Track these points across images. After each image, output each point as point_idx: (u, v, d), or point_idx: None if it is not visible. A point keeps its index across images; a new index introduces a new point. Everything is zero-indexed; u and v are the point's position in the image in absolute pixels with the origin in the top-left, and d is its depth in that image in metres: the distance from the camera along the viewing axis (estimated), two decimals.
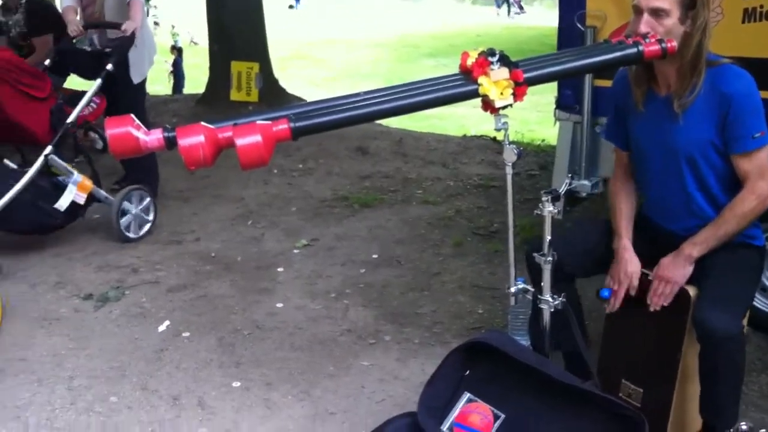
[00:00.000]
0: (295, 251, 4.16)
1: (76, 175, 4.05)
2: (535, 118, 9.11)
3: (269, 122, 2.03)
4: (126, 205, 4.26)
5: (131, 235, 4.30)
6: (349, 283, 3.75)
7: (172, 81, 14.23)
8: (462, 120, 13.31)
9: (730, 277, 2.25)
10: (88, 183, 4.10)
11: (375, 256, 4.05)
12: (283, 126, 2.02)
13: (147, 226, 4.40)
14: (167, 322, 3.39)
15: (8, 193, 3.82)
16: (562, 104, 3.59)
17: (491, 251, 4.06)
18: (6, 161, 4.17)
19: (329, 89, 10.52)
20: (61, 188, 4.02)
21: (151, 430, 2.66)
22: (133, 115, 2.06)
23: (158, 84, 11.89)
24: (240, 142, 1.96)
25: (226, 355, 3.13)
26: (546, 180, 5.17)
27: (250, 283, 3.78)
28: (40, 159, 3.96)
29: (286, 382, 2.94)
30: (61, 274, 3.87)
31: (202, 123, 2.05)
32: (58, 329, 3.35)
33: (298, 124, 2.03)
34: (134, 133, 2.01)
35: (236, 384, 2.92)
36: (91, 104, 4.18)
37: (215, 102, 6.66)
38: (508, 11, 26.96)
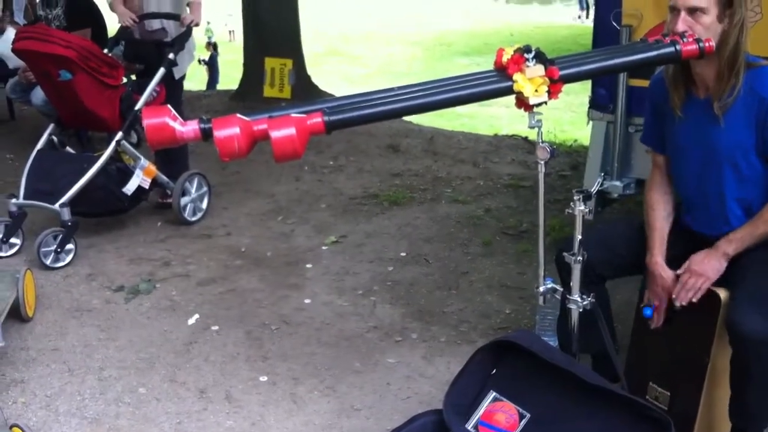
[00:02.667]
0: (324, 248, 4.17)
1: (143, 161, 4.18)
2: (569, 118, 9.06)
3: (304, 115, 2.04)
4: (187, 186, 4.41)
5: (197, 217, 4.49)
6: (377, 281, 3.76)
7: (207, 77, 14.36)
8: (492, 120, 13.28)
9: (766, 279, 2.21)
10: (153, 168, 4.22)
11: (403, 253, 4.05)
12: (317, 119, 2.03)
13: (200, 214, 4.54)
14: (196, 316, 3.42)
15: (83, 177, 3.96)
16: (595, 103, 3.55)
17: (520, 251, 4.04)
18: (68, 148, 4.29)
19: (363, 87, 10.58)
20: (127, 173, 4.15)
21: (178, 421, 2.69)
22: (170, 106, 2.08)
23: (191, 80, 12.00)
24: (275, 134, 1.96)
25: (254, 349, 3.15)
26: (577, 180, 5.12)
27: (279, 278, 3.80)
28: (112, 145, 4.10)
29: (312, 377, 2.95)
30: (94, 266, 3.92)
31: (238, 115, 2.06)
32: (89, 320, 3.40)
33: (332, 118, 2.03)
34: (171, 123, 2.02)
35: (263, 378, 2.94)
36: (153, 92, 4.27)
37: (249, 98, 6.70)
38: (587, 14, 24.62)
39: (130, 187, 4.13)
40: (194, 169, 4.60)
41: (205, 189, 4.57)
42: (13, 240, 4.00)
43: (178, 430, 2.64)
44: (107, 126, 4.21)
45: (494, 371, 2.36)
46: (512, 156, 5.74)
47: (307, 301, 3.57)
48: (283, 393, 2.85)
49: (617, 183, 3.54)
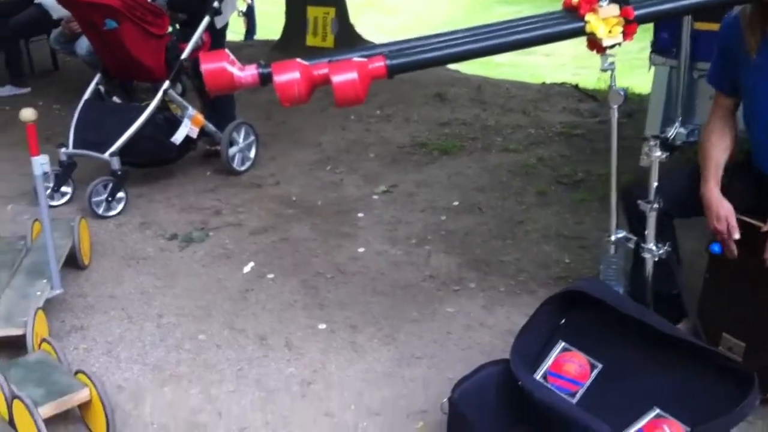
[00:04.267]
0: (375, 197, 4.12)
1: (191, 110, 4.17)
2: (620, 65, 8.76)
3: (365, 59, 1.98)
4: (234, 136, 4.37)
5: (246, 166, 4.46)
6: (430, 230, 3.70)
7: (244, 27, 14.21)
8: (534, 69, 13.01)
9: None
10: (201, 117, 4.20)
11: (456, 203, 3.99)
12: (379, 63, 1.96)
13: (248, 164, 4.51)
14: (251, 264, 3.40)
15: (133, 125, 3.96)
16: (658, 48, 3.43)
17: (576, 201, 3.95)
18: (115, 98, 4.28)
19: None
20: (174, 122, 4.13)
21: (239, 368, 2.69)
22: (227, 51, 2.03)
23: (228, 30, 11.88)
24: (336, 79, 1.91)
25: (310, 297, 3.13)
26: (633, 128, 4.99)
27: (331, 228, 3.76)
28: (159, 94, 4.07)
29: (370, 325, 2.92)
30: (145, 215, 3.92)
31: (298, 59, 2.00)
32: (145, 268, 3.40)
33: (394, 62, 1.96)
34: (229, 68, 1.97)
35: (321, 326, 2.92)
36: (199, 41, 4.21)
37: (291, 48, 6.60)
38: None
39: (178, 137, 4.12)
40: (241, 119, 4.55)
41: (252, 138, 4.53)
42: (63, 189, 4.02)
43: (239, 377, 2.64)
44: (153, 75, 4.17)
45: (563, 321, 2.30)
46: (563, 104, 5.60)
47: (360, 250, 3.53)
48: (342, 341, 2.83)
49: (681, 130, 3.43)
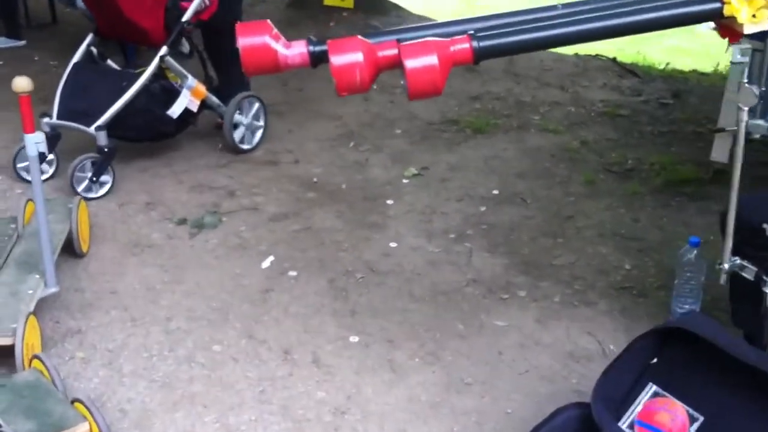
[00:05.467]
0: (405, 181, 3.72)
1: (191, 80, 3.70)
2: (650, 36, 8.30)
3: (446, 39, 1.58)
4: (237, 117, 3.91)
5: (245, 146, 3.98)
6: (469, 223, 3.32)
7: None
8: None
9: None
10: (202, 88, 3.75)
11: (495, 191, 3.60)
12: (463, 45, 1.57)
13: (260, 133, 4.06)
14: (271, 258, 3.02)
15: (123, 96, 3.50)
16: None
17: (629, 193, 3.56)
18: (110, 61, 3.82)
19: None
20: (172, 93, 3.67)
21: (261, 389, 2.32)
22: (270, 22, 1.63)
23: None
24: (411, 64, 1.51)
25: (339, 302, 2.76)
26: (681, 111, 4.59)
27: (358, 216, 3.37)
28: (155, 60, 3.60)
29: (409, 339, 2.56)
30: (150, 193, 3.53)
31: (359, 36, 1.61)
32: (150, 258, 3.02)
33: (482, 44, 1.57)
34: (273, 45, 1.58)
35: (354, 338, 2.56)
36: (204, 0, 3.73)
37: (308, 6, 6.15)
38: None
39: (175, 110, 3.65)
40: (249, 92, 4.07)
41: (257, 105, 4.03)
42: (44, 165, 3.57)
43: (261, 401, 2.28)
44: (149, 39, 3.68)
45: (655, 360, 1.94)
46: (602, 79, 5.18)
47: (392, 245, 3.15)
48: (378, 358, 2.46)
49: (761, 122, 3.02)
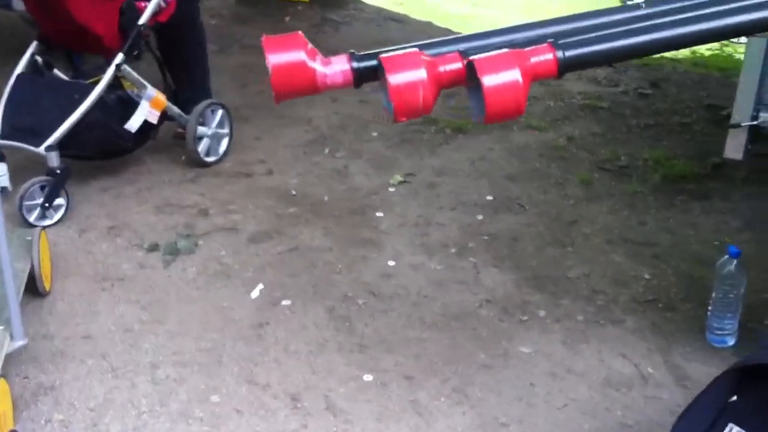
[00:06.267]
0: (391, 189, 3.46)
1: (150, 89, 3.33)
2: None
3: (524, 50, 1.32)
4: (201, 129, 3.56)
5: (212, 158, 3.64)
6: (468, 234, 3.08)
7: None
8: (488, 20, 12.41)
9: None
10: (162, 98, 3.38)
11: (489, 197, 3.37)
12: (545, 56, 1.32)
13: (225, 142, 3.71)
14: (260, 286, 2.73)
15: (75, 111, 3.12)
16: None
17: (629, 193, 3.38)
18: (56, 71, 3.42)
19: None
20: (129, 104, 3.31)
21: None
22: (301, 34, 1.35)
23: None
24: (490, 81, 1.26)
25: (344, 334, 2.49)
26: (662, 101, 4.44)
27: (347, 232, 3.10)
28: (111, 69, 3.21)
29: (430, 374, 2.31)
30: (113, 216, 3.18)
31: (415, 48, 1.34)
32: (123, 293, 2.69)
33: (568, 54, 1.32)
34: (310, 63, 1.30)
35: (368, 377, 2.29)
36: (162, 1, 3.37)
37: (260, 2, 5.80)
38: None
39: (134, 123, 3.29)
40: (213, 99, 3.73)
41: (220, 112, 3.68)
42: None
43: None
44: (103, 45, 3.28)
45: (734, 398, 1.73)
46: (582, 72, 4.99)
47: (391, 263, 2.89)
48: (399, 400, 2.20)
49: None
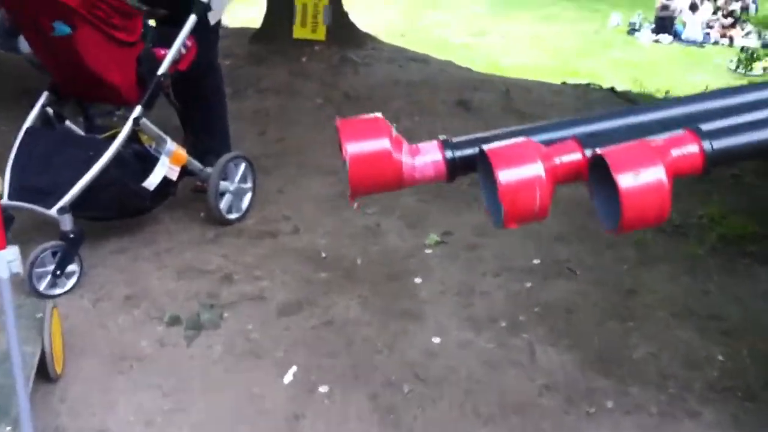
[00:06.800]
0: (428, 251, 3.21)
1: (170, 144, 3.10)
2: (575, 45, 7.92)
3: (662, 140, 1.08)
4: (223, 185, 3.32)
5: (234, 215, 3.40)
6: (518, 305, 2.82)
7: None
8: (489, 50, 12.29)
9: None
10: (183, 153, 3.16)
11: (536, 261, 3.11)
12: (689, 148, 1.07)
13: (248, 197, 3.48)
14: (293, 368, 2.47)
15: (90, 170, 2.88)
16: None
17: (687, 256, 3.12)
18: (68, 123, 3.19)
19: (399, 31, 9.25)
20: (147, 160, 3.09)
21: None
22: (383, 118, 1.11)
23: None
24: (627, 181, 1.01)
25: (391, 428, 2.22)
26: None
27: (385, 302, 2.84)
28: (129, 124, 2.98)
29: None
30: (131, 283, 2.93)
31: (529, 137, 1.10)
32: (142, 376, 2.43)
33: (717, 145, 1.08)
34: (396, 154, 1.07)
35: None
36: (182, 48, 3.13)
37: (275, 39, 5.59)
38: None
39: (153, 180, 3.07)
40: (237, 152, 3.52)
41: (243, 165, 3.44)
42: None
43: None
44: (120, 97, 3.08)
45: None
46: None
47: (435, 340, 2.63)
48: None
49: None
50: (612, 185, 1.04)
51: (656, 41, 14.87)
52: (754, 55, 11.35)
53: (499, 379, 2.43)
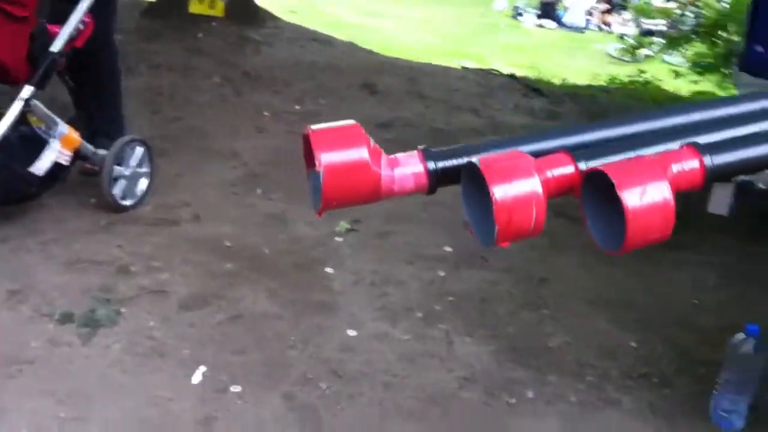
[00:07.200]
0: (338, 239, 3.11)
1: (61, 126, 2.84)
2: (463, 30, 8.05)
3: (662, 154, 1.00)
4: (118, 170, 3.08)
5: (128, 202, 3.17)
6: (432, 295, 2.77)
7: None
8: (383, 31, 12.28)
9: None
10: (75, 136, 2.91)
11: (448, 248, 3.07)
12: (689, 163, 0.99)
13: (145, 182, 3.25)
14: (202, 368, 2.31)
15: None
16: (750, 66, 2.64)
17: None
18: None
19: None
20: (36, 143, 2.82)
21: None
22: (359, 125, 0.99)
23: None
24: (633, 200, 0.92)
25: (309, 428, 2.12)
26: None
27: (296, 294, 2.72)
28: (17, 104, 2.72)
29: None
30: (15, 277, 2.68)
31: (518, 148, 1.01)
32: (34, 380, 2.22)
33: (717, 160, 1.00)
34: (374, 166, 0.95)
35: None
36: (79, 25, 2.88)
37: (169, 14, 5.31)
38: None
39: (41, 165, 2.82)
40: (134, 134, 3.29)
41: (140, 149, 3.22)
42: None
43: None
44: (9, 76, 2.81)
45: None
46: (512, 101, 4.80)
47: (351, 333, 2.53)
48: None
49: None
50: (608, 201, 0.96)
51: (540, 26, 15.26)
52: (637, 43, 11.78)
53: (418, 373, 2.36)
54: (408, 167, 0.96)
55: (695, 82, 7.70)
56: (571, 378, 2.36)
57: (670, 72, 7.99)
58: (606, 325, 2.63)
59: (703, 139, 1.01)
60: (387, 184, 0.95)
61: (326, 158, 0.91)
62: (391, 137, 4.11)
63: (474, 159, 0.94)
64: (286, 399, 2.21)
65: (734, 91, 2.90)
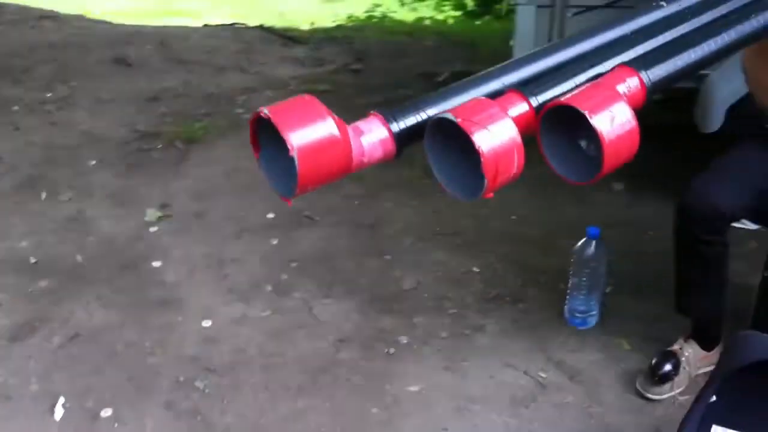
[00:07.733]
0: (153, 229, 2.91)
1: None
2: None
3: (606, 77, 1.03)
4: None
5: None
6: (274, 264, 2.71)
7: None
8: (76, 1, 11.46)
9: None
10: None
11: (270, 215, 3.00)
12: (631, 81, 1.04)
13: None
14: (61, 400, 2.08)
15: None
16: None
17: (409, 181, 3.24)
18: None
19: None
20: None
21: None
22: (315, 97, 0.92)
23: None
24: (605, 125, 0.94)
25: (201, 428, 2.00)
26: (375, 74, 4.37)
27: (131, 297, 2.53)
28: None
29: None
30: None
31: (480, 96, 0.98)
32: None
33: (653, 75, 1.05)
34: (344, 138, 0.89)
35: None
36: None
37: None
38: None
39: None
40: None
41: None
42: None
43: None
44: None
45: (713, 399, 1.68)
46: (274, 53, 4.73)
47: (206, 324, 2.41)
48: None
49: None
50: (567, 134, 0.98)
51: None
52: None
53: (291, 347, 2.31)
54: (373, 134, 0.91)
55: (414, 9, 8.04)
56: (435, 314, 2.44)
57: (396, 2, 8.27)
58: (445, 256, 2.74)
59: (621, 58, 1.07)
60: (358, 156, 0.90)
61: (297, 139, 0.83)
62: (166, 109, 3.89)
63: (446, 114, 0.91)
64: (166, 409, 2.07)
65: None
